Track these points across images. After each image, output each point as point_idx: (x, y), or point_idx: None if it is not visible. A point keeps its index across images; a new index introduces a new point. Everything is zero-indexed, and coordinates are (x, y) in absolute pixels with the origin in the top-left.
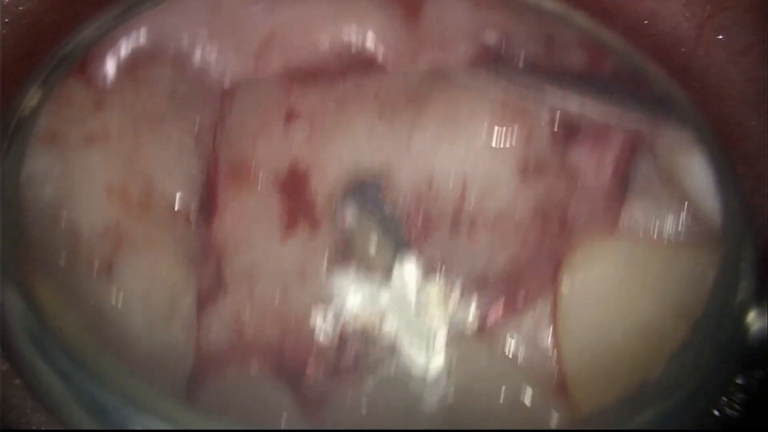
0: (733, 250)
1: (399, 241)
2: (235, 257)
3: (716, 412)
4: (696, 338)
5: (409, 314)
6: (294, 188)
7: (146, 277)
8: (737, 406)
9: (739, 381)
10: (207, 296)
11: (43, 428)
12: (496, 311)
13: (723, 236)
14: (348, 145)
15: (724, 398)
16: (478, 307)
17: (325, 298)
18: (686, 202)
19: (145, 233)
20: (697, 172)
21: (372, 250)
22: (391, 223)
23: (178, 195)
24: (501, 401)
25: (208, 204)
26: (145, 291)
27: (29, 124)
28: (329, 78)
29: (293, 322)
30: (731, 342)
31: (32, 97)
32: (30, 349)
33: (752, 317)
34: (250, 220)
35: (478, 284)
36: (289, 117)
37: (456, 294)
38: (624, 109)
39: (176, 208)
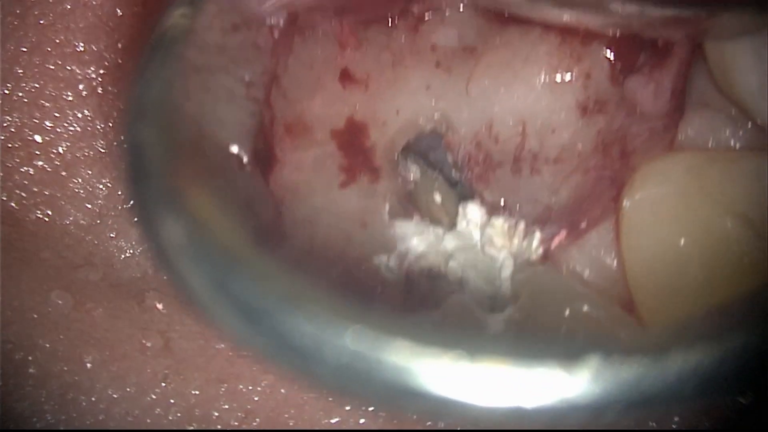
0: None
1: (462, 191)
2: (295, 204)
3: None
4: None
5: (475, 251)
6: (352, 140)
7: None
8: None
9: None
10: (266, 240)
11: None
12: (561, 235)
13: None
14: (405, 97)
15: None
16: (542, 234)
17: (388, 243)
18: (743, 107)
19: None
20: (751, 64)
21: (437, 203)
22: (454, 173)
23: (230, 139)
24: (567, 315)
25: (265, 156)
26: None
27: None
28: (382, 30)
29: (357, 262)
30: None
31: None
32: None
33: None
34: (309, 171)
35: (542, 216)
36: (345, 74)
37: (521, 227)
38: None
39: (230, 151)
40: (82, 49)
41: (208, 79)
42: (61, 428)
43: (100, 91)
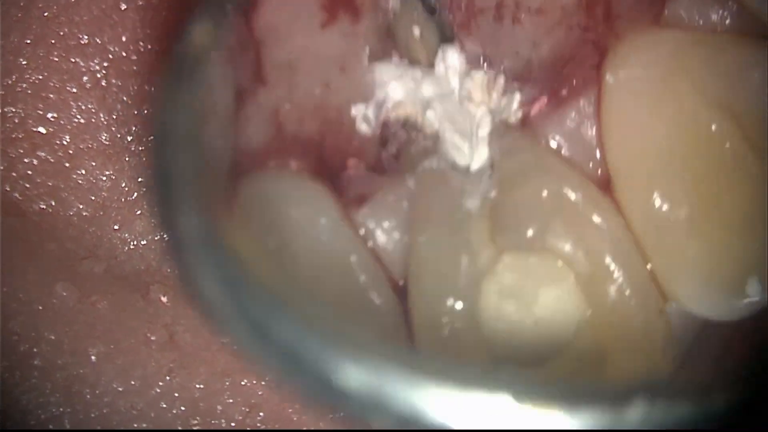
0: None
1: (442, 30)
2: (275, 48)
3: None
4: None
5: (453, 103)
6: None
7: None
8: None
9: None
10: (246, 89)
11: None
12: (541, 101)
13: None
14: None
15: None
16: (522, 96)
17: (366, 89)
18: None
19: None
20: None
21: (415, 36)
22: (434, 6)
23: None
24: (544, 195)
25: None
26: None
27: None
28: None
29: (334, 113)
30: None
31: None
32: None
33: None
34: (289, 8)
35: (523, 72)
36: None
37: (500, 81)
38: None
39: None
40: (87, 41)
41: None
42: (67, 428)
43: (104, 84)
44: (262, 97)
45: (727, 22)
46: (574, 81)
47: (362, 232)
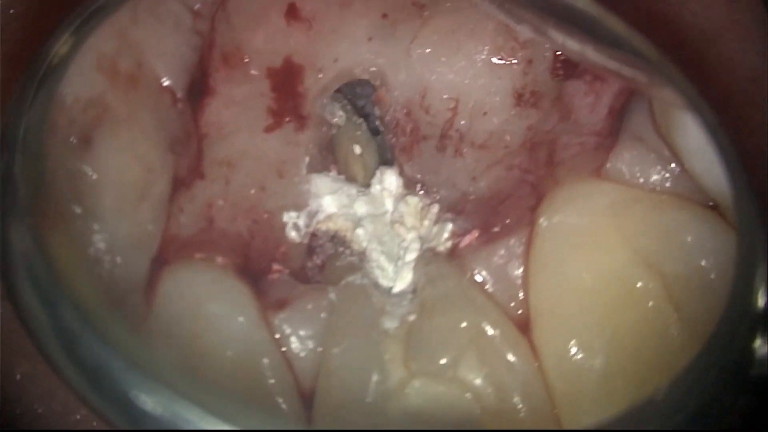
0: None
1: (383, 152)
2: (218, 142)
3: None
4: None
5: (384, 224)
6: (286, 81)
7: (124, 154)
8: None
9: None
10: (183, 179)
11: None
12: (472, 235)
13: (709, 195)
14: (346, 45)
15: None
16: (454, 226)
17: (300, 198)
18: (677, 156)
19: (129, 108)
20: (692, 131)
21: (355, 154)
22: (378, 128)
23: (167, 72)
24: (463, 326)
25: (199, 85)
26: (120, 167)
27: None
28: None
29: (266, 216)
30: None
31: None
32: None
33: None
34: (237, 107)
35: (458, 204)
36: (291, 10)
37: (434, 210)
38: (623, 62)
39: (164, 84)
40: None
41: (157, 4)
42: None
43: None
44: (198, 190)
45: (668, 184)
46: (508, 219)
47: (278, 336)
